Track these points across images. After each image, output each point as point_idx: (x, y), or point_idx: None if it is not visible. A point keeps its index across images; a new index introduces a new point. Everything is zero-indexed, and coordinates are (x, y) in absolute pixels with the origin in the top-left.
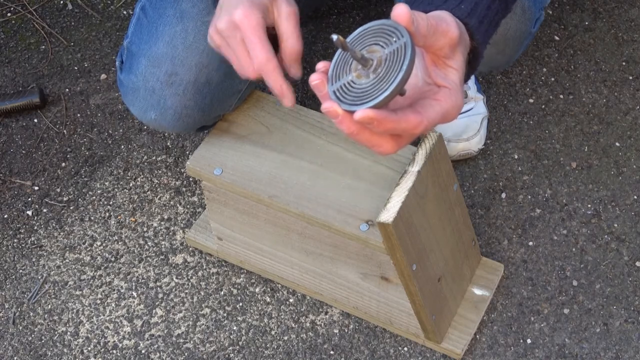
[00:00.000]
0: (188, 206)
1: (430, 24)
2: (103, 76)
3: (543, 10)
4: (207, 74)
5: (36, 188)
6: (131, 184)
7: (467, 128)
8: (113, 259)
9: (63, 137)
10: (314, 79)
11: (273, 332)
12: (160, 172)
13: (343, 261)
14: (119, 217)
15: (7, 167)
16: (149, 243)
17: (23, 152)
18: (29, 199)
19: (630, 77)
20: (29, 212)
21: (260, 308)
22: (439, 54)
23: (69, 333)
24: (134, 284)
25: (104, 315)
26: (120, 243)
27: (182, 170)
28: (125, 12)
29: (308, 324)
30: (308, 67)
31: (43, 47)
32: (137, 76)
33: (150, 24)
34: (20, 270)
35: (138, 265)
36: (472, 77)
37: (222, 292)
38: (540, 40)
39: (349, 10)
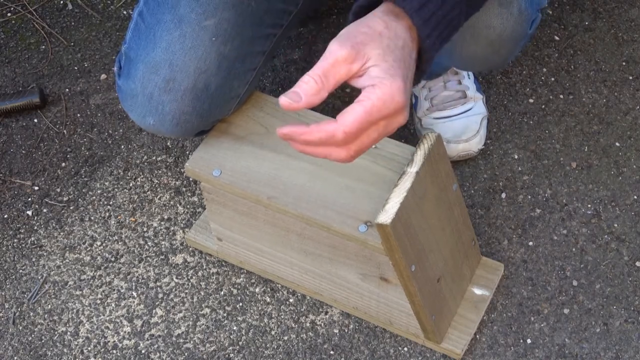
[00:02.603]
0: (188, 206)
1: (315, 81)
2: (103, 76)
3: (539, 12)
4: (206, 80)
5: (36, 188)
6: (131, 184)
7: (467, 129)
8: (113, 259)
9: (63, 137)
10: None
11: (273, 332)
12: (160, 172)
13: (342, 262)
14: (119, 217)
15: (7, 167)
16: (149, 243)
17: (23, 152)
18: (29, 199)
19: (630, 77)
20: (29, 212)
21: (260, 308)
22: (357, 72)
23: (69, 333)
24: (134, 284)
25: (104, 315)
26: (120, 243)
27: (182, 170)
28: (125, 12)
29: (308, 324)
30: (308, 67)
31: (43, 47)
32: (135, 82)
33: (148, 30)
34: (20, 270)
35: (138, 265)
36: (472, 77)
37: (222, 292)
38: (540, 40)
39: (348, 10)
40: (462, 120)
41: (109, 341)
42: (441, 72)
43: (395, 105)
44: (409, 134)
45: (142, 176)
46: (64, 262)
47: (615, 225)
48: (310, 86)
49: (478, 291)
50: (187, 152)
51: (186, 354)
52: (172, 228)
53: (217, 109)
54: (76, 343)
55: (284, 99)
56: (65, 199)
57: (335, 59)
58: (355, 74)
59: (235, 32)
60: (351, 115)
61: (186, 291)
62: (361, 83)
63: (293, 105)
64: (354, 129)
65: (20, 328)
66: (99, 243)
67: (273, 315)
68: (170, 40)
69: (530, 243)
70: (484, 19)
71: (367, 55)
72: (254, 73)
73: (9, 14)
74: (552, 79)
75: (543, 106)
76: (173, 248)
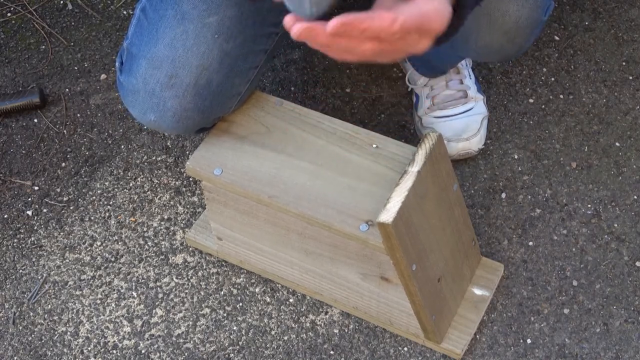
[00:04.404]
0: (188, 206)
1: None
2: (103, 76)
3: (552, 0)
4: (208, 76)
5: (36, 188)
6: (131, 184)
7: (467, 128)
8: (113, 259)
9: (63, 137)
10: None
11: (273, 332)
12: (160, 172)
13: (343, 261)
14: (119, 217)
15: (7, 167)
16: (149, 243)
17: (23, 152)
18: (29, 199)
19: (630, 77)
20: (29, 212)
21: (260, 308)
22: None
23: (69, 333)
24: (134, 284)
25: (104, 315)
26: (120, 243)
27: (182, 170)
28: (125, 12)
29: (308, 324)
30: (308, 67)
31: (43, 47)
32: (136, 78)
33: (151, 26)
34: (20, 270)
35: (138, 265)
36: (473, 77)
37: (222, 292)
38: (540, 40)
39: (349, 10)
40: (462, 119)
41: (109, 341)
42: (448, 67)
43: (439, 24)
44: (409, 133)
45: (142, 176)
46: (64, 262)
47: (615, 225)
48: None
49: (478, 291)
50: (187, 152)
51: (186, 354)
52: (172, 228)
53: (218, 106)
54: (76, 343)
55: None
56: (65, 199)
57: None
58: None
59: (238, 30)
60: (409, 10)
61: (186, 291)
62: None
63: None
64: (411, 22)
65: (20, 328)
66: (99, 243)
67: (273, 315)
68: (173, 37)
69: (530, 243)
70: (500, 6)
71: None
72: (256, 71)
73: (9, 14)
74: (552, 79)
75: (543, 106)
76: (173, 248)
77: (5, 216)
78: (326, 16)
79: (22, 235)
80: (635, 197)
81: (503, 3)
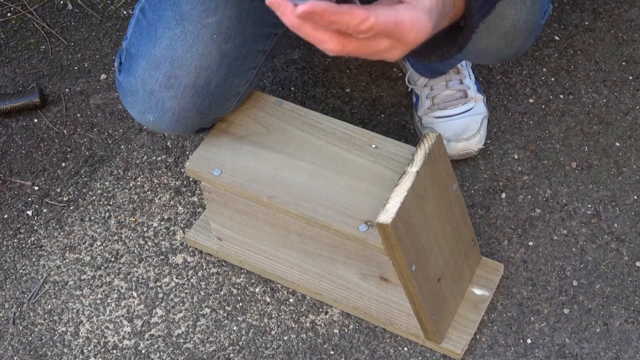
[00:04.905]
0: (188, 206)
1: None
2: (103, 76)
3: (551, 3)
4: (206, 77)
5: (36, 188)
6: (131, 184)
7: (467, 128)
8: (113, 259)
9: (63, 137)
10: None
11: (273, 332)
12: (160, 172)
13: (342, 261)
14: (119, 217)
15: (7, 167)
16: (149, 243)
17: (23, 152)
18: (29, 199)
19: (630, 77)
20: (29, 212)
21: (260, 308)
22: None
23: (69, 333)
24: (134, 284)
25: (104, 315)
26: (120, 243)
27: (182, 170)
28: (125, 12)
29: (308, 324)
30: (308, 67)
31: (43, 47)
32: (135, 78)
33: (150, 26)
34: (20, 270)
35: (138, 265)
36: (472, 77)
37: (222, 292)
38: (540, 40)
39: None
40: (463, 119)
41: (109, 341)
42: (448, 68)
43: (413, 36)
44: (409, 133)
45: (142, 176)
46: (64, 262)
47: (615, 225)
48: None
49: (478, 291)
50: (187, 152)
51: (186, 354)
52: (172, 228)
53: (217, 106)
54: (76, 343)
55: None
56: (65, 199)
57: None
58: None
59: (237, 30)
60: (386, 13)
61: (186, 291)
62: None
63: None
64: (383, 26)
65: (20, 328)
66: (99, 243)
67: (273, 315)
68: (172, 37)
69: (530, 243)
70: (499, 10)
71: None
72: (255, 72)
73: (9, 14)
74: (552, 79)
75: (543, 106)
76: (173, 248)
77: (5, 216)
78: None
79: (22, 235)
80: (635, 197)
81: (501, 7)
